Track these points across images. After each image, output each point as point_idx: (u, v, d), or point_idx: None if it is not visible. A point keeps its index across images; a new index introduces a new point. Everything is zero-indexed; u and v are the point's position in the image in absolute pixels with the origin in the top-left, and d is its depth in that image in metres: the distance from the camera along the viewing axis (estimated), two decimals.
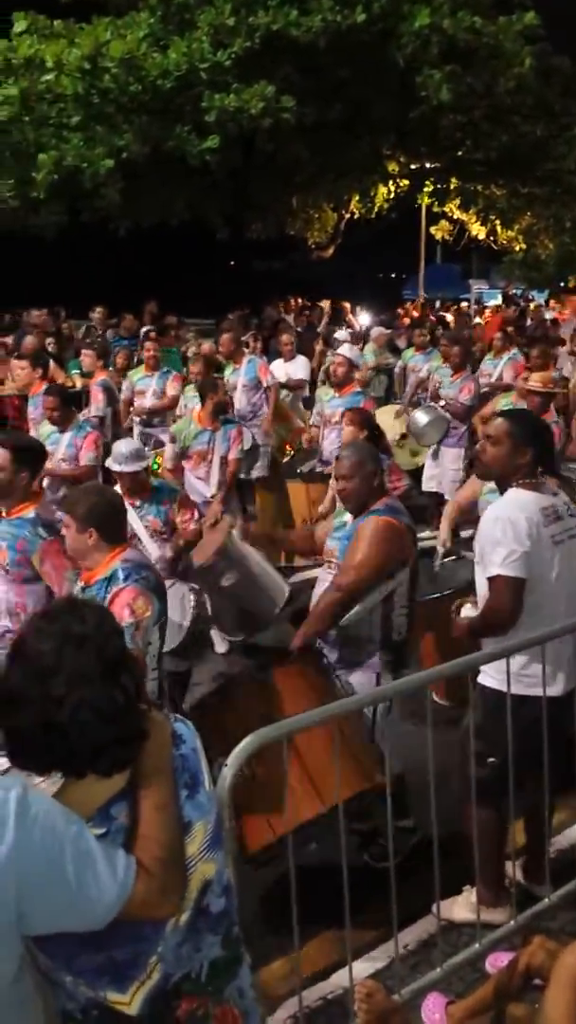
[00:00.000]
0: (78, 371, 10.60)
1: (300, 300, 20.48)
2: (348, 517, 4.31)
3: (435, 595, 4.96)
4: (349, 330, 14.98)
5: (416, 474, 9.14)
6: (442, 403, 8.90)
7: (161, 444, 8.51)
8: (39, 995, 1.89)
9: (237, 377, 8.97)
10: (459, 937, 3.73)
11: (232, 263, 32.09)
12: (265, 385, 9.14)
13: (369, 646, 4.12)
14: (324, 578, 4.41)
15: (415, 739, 3.93)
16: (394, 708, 4.18)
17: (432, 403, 9.09)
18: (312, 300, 20.31)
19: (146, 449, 6.06)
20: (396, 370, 12.24)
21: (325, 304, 17.38)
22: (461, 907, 3.88)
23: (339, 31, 10.70)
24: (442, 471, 8.88)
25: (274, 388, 9.41)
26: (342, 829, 3.38)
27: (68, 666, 1.80)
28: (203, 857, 1.94)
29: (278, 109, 10.64)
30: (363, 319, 19.10)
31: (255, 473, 8.71)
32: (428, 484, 9.02)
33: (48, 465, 7.11)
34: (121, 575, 3.67)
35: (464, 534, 6.24)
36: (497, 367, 10.89)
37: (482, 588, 3.79)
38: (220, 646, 6.67)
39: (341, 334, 12.53)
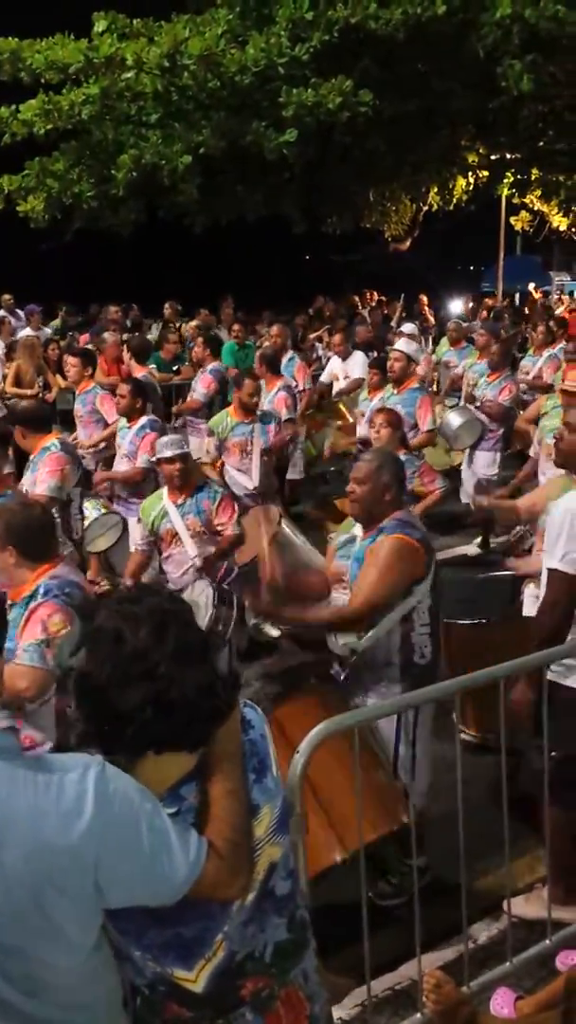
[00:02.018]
0: (156, 365, 10.75)
1: (376, 294, 20.41)
2: (357, 530, 4.08)
3: (465, 621, 4.66)
4: (417, 323, 14.85)
5: (450, 475, 8.51)
6: (476, 404, 8.42)
7: None
8: (115, 966, 1.96)
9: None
10: (530, 934, 3.72)
11: (308, 257, 32.00)
12: (300, 387, 9.10)
13: (389, 670, 3.88)
14: (337, 599, 4.15)
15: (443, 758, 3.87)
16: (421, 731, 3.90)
17: (466, 404, 8.60)
18: (389, 293, 20.22)
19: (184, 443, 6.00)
20: (430, 365, 12.00)
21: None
22: (532, 904, 3.86)
23: (419, 23, 10.60)
24: (474, 476, 8.35)
25: (308, 391, 9.36)
26: (412, 826, 3.38)
27: (171, 643, 1.86)
28: (270, 840, 1.98)
29: (356, 103, 10.59)
30: (454, 308, 18.94)
31: (289, 474, 8.69)
32: (466, 494, 8.43)
33: (117, 457, 7.32)
34: (41, 590, 3.47)
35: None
36: (536, 364, 10.38)
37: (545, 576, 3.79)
38: (274, 630, 6.72)
39: (407, 327, 12.34)
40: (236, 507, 5.78)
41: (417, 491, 6.09)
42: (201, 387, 9.29)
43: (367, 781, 3.17)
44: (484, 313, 17.58)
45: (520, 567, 4.88)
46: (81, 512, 5.99)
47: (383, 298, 19.89)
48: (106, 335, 11.44)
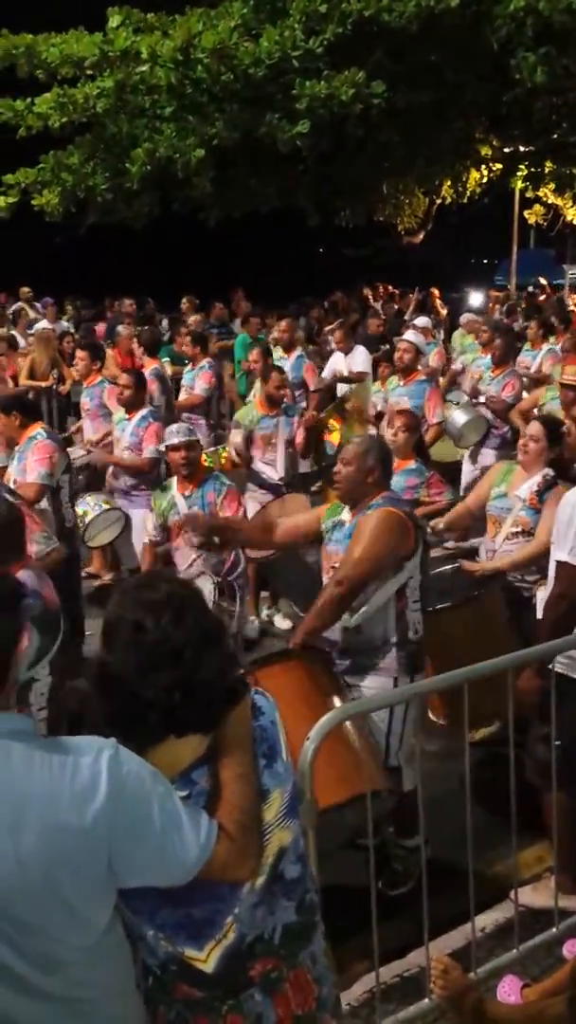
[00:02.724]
0: (168, 359, 10.79)
1: (388, 287, 20.40)
2: (345, 515, 4.11)
3: (436, 607, 4.48)
4: (432, 317, 14.82)
5: (455, 468, 8.52)
6: (482, 399, 8.27)
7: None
8: (128, 946, 2.00)
9: (284, 368, 8.93)
10: (536, 922, 3.76)
11: (321, 250, 31.90)
12: (312, 388, 9.13)
13: (385, 647, 3.90)
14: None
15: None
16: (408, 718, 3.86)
17: (471, 400, 8.44)
18: (401, 286, 20.21)
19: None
20: (443, 358, 11.94)
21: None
22: (540, 893, 3.90)
23: (432, 15, 10.58)
24: (475, 472, 8.15)
25: (316, 393, 9.37)
26: (421, 817, 3.42)
27: (191, 628, 1.90)
28: (279, 824, 2.01)
29: (369, 95, 10.58)
30: (475, 300, 18.90)
31: (300, 468, 8.69)
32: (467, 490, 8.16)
33: (115, 452, 7.32)
34: None
35: (472, 541, 6.07)
36: (536, 358, 10.30)
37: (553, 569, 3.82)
38: (285, 622, 6.78)
39: (421, 320, 12.31)
40: (242, 502, 5.77)
41: (422, 501, 6.07)
42: (202, 383, 9.27)
43: (349, 747, 3.18)
44: (492, 306, 17.53)
45: (484, 567, 4.84)
46: (72, 500, 6.05)
47: (396, 291, 19.87)
48: (120, 328, 11.48)
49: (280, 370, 7.64)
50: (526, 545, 4.76)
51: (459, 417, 8.03)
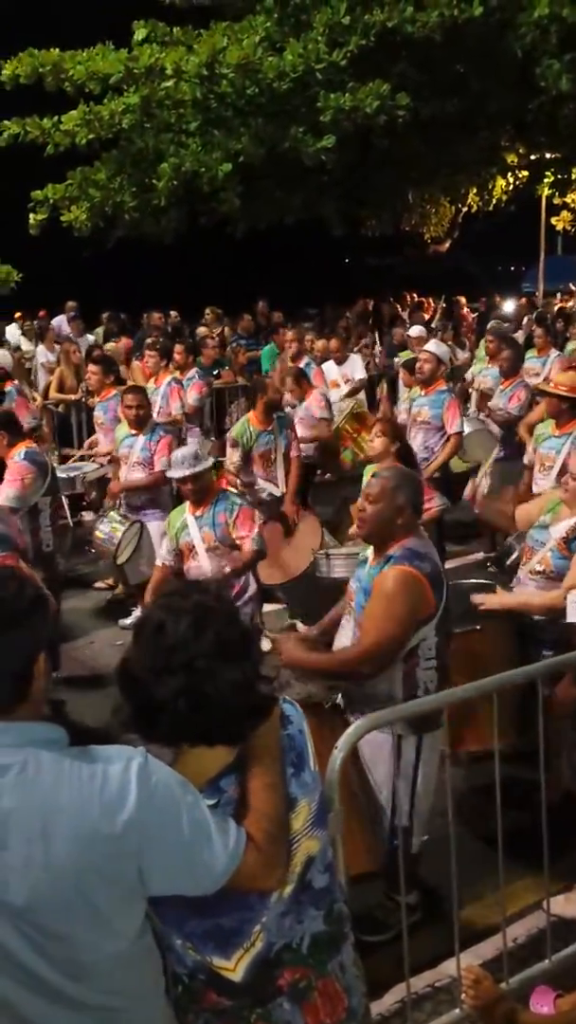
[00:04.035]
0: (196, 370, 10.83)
1: (415, 295, 20.40)
2: (370, 554, 3.85)
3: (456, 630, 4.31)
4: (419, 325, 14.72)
5: (462, 478, 8.40)
6: (486, 413, 8.13)
7: None
8: (158, 954, 2.02)
9: None
10: (569, 933, 3.73)
11: (347, 260, 31.93)
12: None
13: (389, 703, 3.60)
14: (345, 625, 3.91)
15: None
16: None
17: (479, 415, 8.28)
18: (427, 295, 20.20)
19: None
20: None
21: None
22: (572, 903, 3.87)
23: (455, 25, 10.58)
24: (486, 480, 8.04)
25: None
26: (452, 841, 3.40)
27: (210, 638, 1.92)
28: (307, 834, 2.02)
29: (394, 106, 10.60)
30: (508, 307, 18.88)
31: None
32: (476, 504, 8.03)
33: (123, 468, 7.24)
34: None
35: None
36: (545, 364, 10.03)
37: None
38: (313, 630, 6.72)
39: (414, 330, 12.20)
40: (256, 520, 5.52)
41: None
42: (195, 392, 9.28)
43: (357, 816, 3.14)
44: (520, 316, 17.42)
45: (503, 602, 4.60)
46: (50, 523, 6.02)
47: (423, 300, 19.86)
48: (148, 341, 11.54)
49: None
50: (547, 592, 4.47)
51: (465, 431, 7.84)
